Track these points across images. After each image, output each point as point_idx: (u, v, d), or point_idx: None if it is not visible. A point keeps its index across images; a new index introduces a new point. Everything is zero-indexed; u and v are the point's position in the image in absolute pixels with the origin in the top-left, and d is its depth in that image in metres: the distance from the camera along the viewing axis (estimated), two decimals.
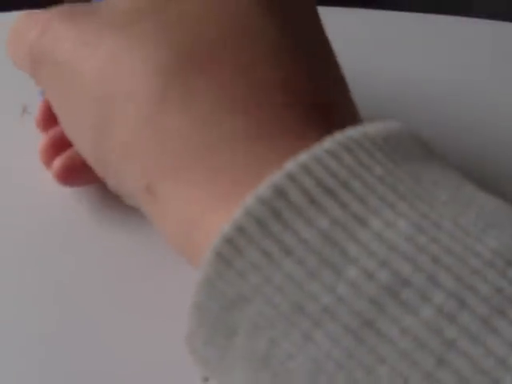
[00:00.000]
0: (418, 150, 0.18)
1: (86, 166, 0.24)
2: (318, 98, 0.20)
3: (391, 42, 0.38)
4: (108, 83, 0.21)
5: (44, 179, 0.30)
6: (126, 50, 0.21)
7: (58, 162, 0.28)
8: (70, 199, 0.30)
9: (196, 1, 0.21)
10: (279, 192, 0.16)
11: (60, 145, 0.29)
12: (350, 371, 0.15)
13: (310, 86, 0.20)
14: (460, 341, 0.14)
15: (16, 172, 0.31)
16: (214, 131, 0.19)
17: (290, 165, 0.17)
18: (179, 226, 0.20)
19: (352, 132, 0.17)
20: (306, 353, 0.15)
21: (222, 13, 0.21)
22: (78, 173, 0.28)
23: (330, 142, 0.17)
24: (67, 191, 0.30)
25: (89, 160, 0.23)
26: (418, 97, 0.35)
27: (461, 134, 0.34)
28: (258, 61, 0.20)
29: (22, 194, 0.30)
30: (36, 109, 0.33)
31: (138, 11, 0.21)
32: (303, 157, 0.17)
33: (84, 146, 0.23)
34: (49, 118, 0.29)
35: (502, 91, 0.36)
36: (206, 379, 0.20)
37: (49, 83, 0.24)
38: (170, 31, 0.20)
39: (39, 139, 0.32)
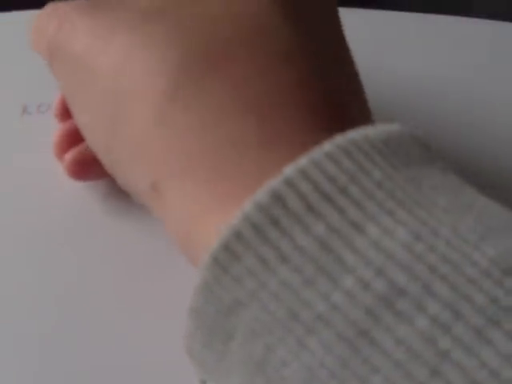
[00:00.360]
0: (419, 153, 0.18)
1: (97, 160, 0.24)
2: (331, 98, 0.20)
3: (391, 41, 0.38)
4: (119, 80, 0.21)
5: (44, 179, 0.31)
6: (139, 48, 0.20)
7: (69, 156, 0.28)
8: (71, 198, 0.30)
9: (215, 3, 0.21)
10: (277, 198, 0.16)
11: (74, 138, 0.29)
12: (343, 380, 0.15)
13: (324, 86, 0.20)
14: (454, 352, 0.14)
15: (16, 172, 0.31)
16: (224, 133, 0.19)
17: (289, 170, 0.16)
18: (182, 225, 0.20)
19: (352, 135, 0.17)
20: (300, 360, 0.15)
21: (238, 12, 0.20)
22: (89, 167, 0.28)
23: (329, 146, 0.17)
24: (69, 190, 0.30)
25: (99, 155, 0.23)
26: (418, 97, 0.35)
27: (460, 134, 0.34)
28: (271, 60, 0.20)
29: (22, 194, 0.30)
30: (35, 109, 0.34)
31: (154, 9, 0.21)
32: (302, 161, 0.17)
33: (94, 141, 0.23)
34: (67, 109, 0.29)
35: (502, 91, 0.36)
36: (203, 382, 0.21)
37: (63, 77, 0.24)
38: (184, 30, 0.20)
39: (39, 139, 0.32)
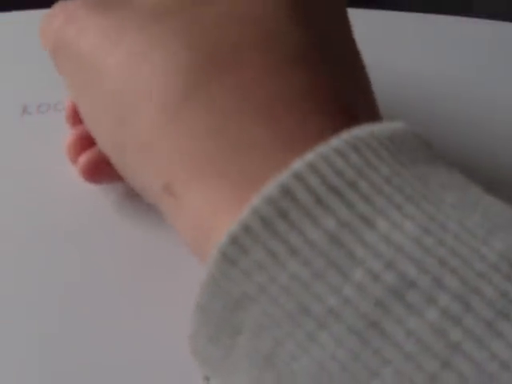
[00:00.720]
0: (423, 151, 0.18)
1: (110, 162, 0.24)
2: (341, 100, 0.20)
3: (391, 41, 0.38)
4: (127, 81, 0.21)
5: (44, 179, 0.31)
6: (147, 49, 0.20)
7: (83, 159, 0.28)
8: (71, 198, 0.30)
9: (222, 3, 0.21)
10: (286, 191, 0.16)
11: (87, 141, 0.29)
12: (354, 373, 0.15)
13: (334, 89, 0.20)
14: (464, 344, 0.14)
15: (15, 172, 0.31)
16: (234, 135, 0.19)
17: (297, 164, 0.17)
18: (193, 226, 0.20)
19: (359, 131, 0.17)
20: (310, 354, 0.15)
21: (247, 16, 0.20)
22: (103, 169, 0.28)
23: (336, 141, 0.17)
24: (69, 190, 0.30)
25: (109, 156, 0.23)
26: (418, 96, 0.35)
27: (460, 134, 0.34)
28: (280, 64, 0.20)
29: (22, 194, 0.30)
30: (35, 109, 0.34)
31: (163, 10, 0.21)
32: (310, 156, 0.17)
33: (103, 142, 0.23)
34: (78, 113, 0.29)
35: (502, 91, 0.36)
36: (207, 379, 0.20)
37: (67, 74, 0.24)
38: (193, 32, 0.20)
39: (39, 139, 0.32)
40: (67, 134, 0.30)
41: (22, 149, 0.32)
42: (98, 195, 0.30)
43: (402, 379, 0.14)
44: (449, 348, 0.14)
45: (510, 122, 0.35)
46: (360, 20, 0.34)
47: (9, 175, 0.31)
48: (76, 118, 0.30)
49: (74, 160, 0.29)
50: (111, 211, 0.30)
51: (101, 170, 0.28)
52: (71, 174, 0.30)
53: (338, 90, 0.20)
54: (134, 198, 0.30)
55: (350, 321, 0.15)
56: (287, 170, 0.16)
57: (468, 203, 0.17)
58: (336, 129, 0.18)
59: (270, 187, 0.16)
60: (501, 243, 0.15)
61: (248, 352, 0.17)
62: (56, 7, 0.25)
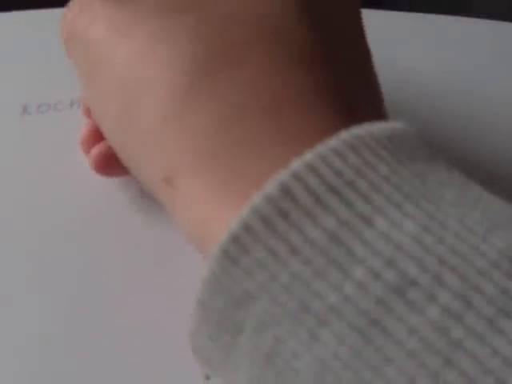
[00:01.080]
0: (423, 150, 0.18)
1: None
2: (346, 102, 0.20)
3: (391, 41, 0.38)
4: (134, 75, 0.21)
5: (44, 179, 0.30)
6: (155, 44, 0.21)
7: (95, 150, 0.28)
8: (70, 198, 0.30)
9: (231, 3, 0.21)
10: (285, 191, 0.16)
11: (101, 133, 0.29)
12: (356, 371, 0.15)
13: (339, 90, 0.20)
14: (466, 341, 0.14)
15: (15, 172, 0.31)
16: (238, 131, 0.19)
17: (296, 164, 0.17)
18: (194, 220, 0.20)
19: (357, 130, 0.17)
20: (311, 351, 0.15)
21: (254, 15, 0.21)
22: (115, 162, 0.28)
23: (335, 141, 0.17)
24: (69, 190, 0.30)
25: (112, 145, 0.23)
26: (418, 97, 0.35)
27: (460, 134, 0.34)
28: (287, 63, 0.20)
29: (22, 194, 0.30)
30: (35, 109, 0.34)
31: (175, 8, 0.21)
32: (308, 156, 0.17)
33: (108, 130, 0.23)
34: None
35: (502, 91, 0.36)
36: (207, 377, 0.20)
37: (77, 61, 0.24)
38: (201, 30, 0.20)
39: (39, 139, 0.32)
40: (67, 134, 0.30)
41: (22, 149, 0.32)
42: (99, 195, 0.30)
43: (404, 377, 0.14)
44: (450, 345, 0.14)
45: (510, 121, 0.35)
46: None
47: (9, 175, 0.31)
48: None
49: (87, 151, 0.29)
50: (111, 211, 0.30)
51: (112, 163, 0.28)
52: (71, 173, 0.30)
53: (342, 89, 0.20)
54: (132, 198, 0.30)
55: (351, 318, 0.15)
56: (287, 169, 0.17)
57: (468, 201, 0.17)
58: (339, 128, 0.18)
59: (270, 186, 0.16)
60: (500, 241, 0.15)
61: (249, 350, 0.17)
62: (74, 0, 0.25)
